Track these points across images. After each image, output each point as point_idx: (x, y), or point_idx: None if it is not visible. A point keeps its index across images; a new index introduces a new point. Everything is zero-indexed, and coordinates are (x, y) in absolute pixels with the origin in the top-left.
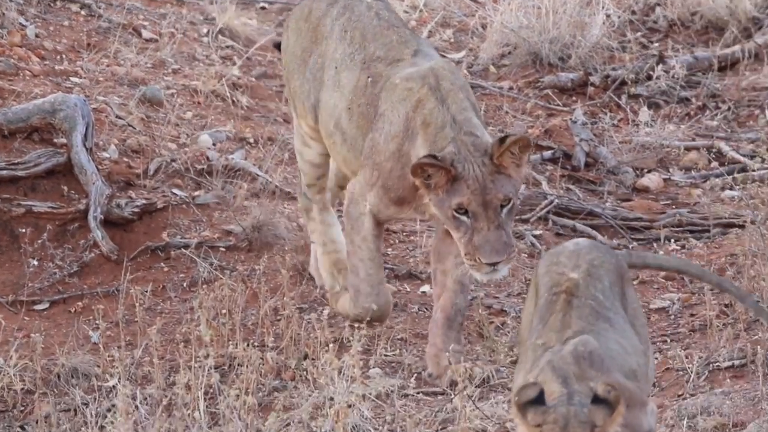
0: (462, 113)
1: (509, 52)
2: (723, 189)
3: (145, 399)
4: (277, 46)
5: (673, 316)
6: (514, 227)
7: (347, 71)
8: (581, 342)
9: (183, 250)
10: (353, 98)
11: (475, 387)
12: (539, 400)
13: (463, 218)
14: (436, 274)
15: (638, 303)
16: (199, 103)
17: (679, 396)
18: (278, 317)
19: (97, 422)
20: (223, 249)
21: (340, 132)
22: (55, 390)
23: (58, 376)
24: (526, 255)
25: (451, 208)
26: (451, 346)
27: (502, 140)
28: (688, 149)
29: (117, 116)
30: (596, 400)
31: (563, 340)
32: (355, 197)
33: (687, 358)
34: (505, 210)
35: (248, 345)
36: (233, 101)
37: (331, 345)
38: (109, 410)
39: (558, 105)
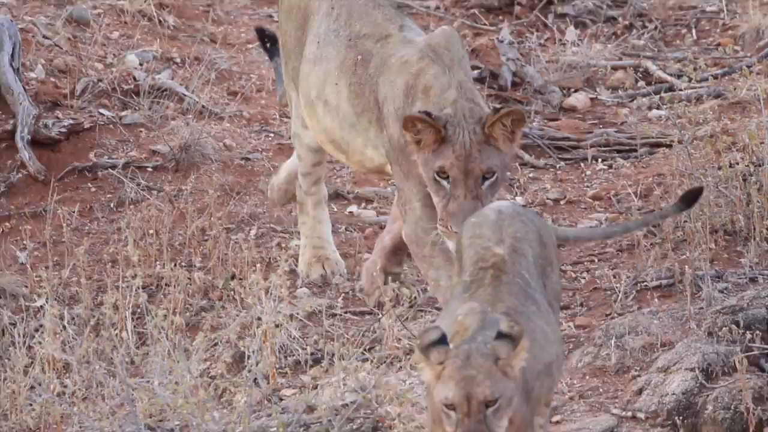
0: (467, 82)
1: None
2: (650, 108)
3: (73, 319)
4: (259, 31)
5: None
6: None
7: (330, 46)
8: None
9: (110, 170)
10: (340, 75)
11: (403, 307)
12: (442, 342)
13: (444, 182)
14: None
15: (558, 267)
16: (125, 22)
17: (607, 315)
18: (205, 237)
19: (25, 342)
20: (151, 169)
21: (323, 103)
22: None
23: None
24: None
25: (433, 169)
26: (392, 268)
27: (495, 111)
28: (615, 69)
29: (44, 36)
30: (499, 335)
31: (498, 312)
32: (404, 217)
33: (615, 277)
34: (487, 182)
35: (175, 265)
36: (160, 21)
37: (258, 265)
38: (36, 330)
39: (485, 24)
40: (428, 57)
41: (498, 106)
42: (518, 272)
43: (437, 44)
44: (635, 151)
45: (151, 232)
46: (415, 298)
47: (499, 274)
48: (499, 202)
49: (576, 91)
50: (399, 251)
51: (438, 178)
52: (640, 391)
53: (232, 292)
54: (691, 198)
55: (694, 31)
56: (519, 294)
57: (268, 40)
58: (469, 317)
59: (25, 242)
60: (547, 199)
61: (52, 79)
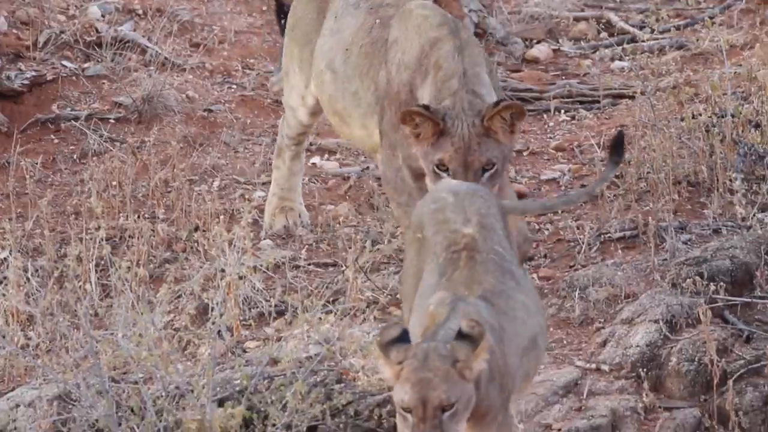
0: (474, 68)
1: None
2: (613, 60)
3: (37, 271)
4: (279, 6)
5: (563, 187)
6: None
7: (349, 17)
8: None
9: (73, 122)
10: (354, 39)
11: (366, 261)
12: (403, 339)
13: (444, 175)
14: None
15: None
16: None
17: (570, 267)
18: (168, 189)
19: None
20: (113, 121)
21: (331, 71)
22: None
23: None
24: None
25: (433, 162)
26: None
27: (496, 104)
28: (577, 20)
29: None
30: (460, 335)
31: (475, 294)
32: (385, 159)
33: (578, 229)
34: (487, 174)
35: (139, 217)
36: None
37: (221, 216)
38: (0, 282)
39: None
40: (448, 26)
41: (498, 99)
42: (491, 248)
43: (456, 19)
44: (598, 102)
45: (114, 183)
46: (377, 248)
47: (472, 254)
48: (448, 182)
49: (538, 42)
50: None
51: (438, 170)
52: (604, 343)
53: (196, 244)
54: (617, 146)
55: None
56: (496, 271)
57: (283, 17)
58: (439, 309)
59: None
60: None
61: (15, 31)
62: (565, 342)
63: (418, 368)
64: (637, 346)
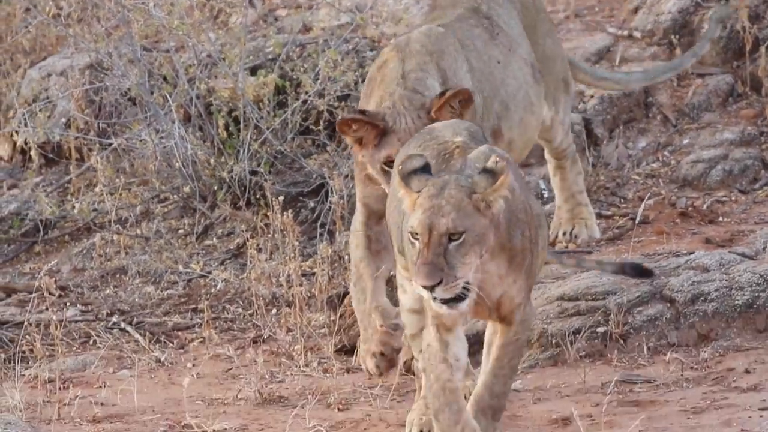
0: (416, 72)
1: None
2: None
3: None
4: None
5: None
6: None
7: None
8: (502, 154)
9: None
10: None
11: None
12: (425, 170)
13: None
14: None
15: None
16: None
17: None
18: None
19: None
20: None
21: None
22: None
23: None
24: None
25: (380, 161)
26: None
27: (441, 94)
28: None
29: None
30: (484, 171)
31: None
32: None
33: None
34: None
35: None
36: None
37: None
38: None
39: None
40: (397, 47)
41: (443, 89)
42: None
43: (422, 33)
44: None
45: None
46: None
47: (465, 149)
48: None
49: None
50: None
51: (387, 167)
52: (636, 10)
53: None
54: None
55: None
56: None
57: None
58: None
59: None
60: None
61: None
62: (597, 9)
63: (433, 195)
64: (669, 12)
